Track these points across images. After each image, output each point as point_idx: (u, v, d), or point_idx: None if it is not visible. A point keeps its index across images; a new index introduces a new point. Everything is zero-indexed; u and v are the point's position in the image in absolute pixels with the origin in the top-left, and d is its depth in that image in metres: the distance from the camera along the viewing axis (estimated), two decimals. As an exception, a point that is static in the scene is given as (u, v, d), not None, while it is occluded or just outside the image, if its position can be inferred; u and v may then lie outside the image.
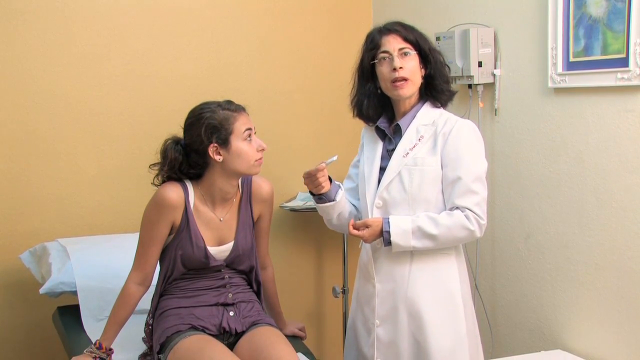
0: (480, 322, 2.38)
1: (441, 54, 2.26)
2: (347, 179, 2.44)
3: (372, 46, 2.22)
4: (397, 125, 2.24)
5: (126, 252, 2.49)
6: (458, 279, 2.23)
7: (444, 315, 2.19)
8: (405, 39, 2.19)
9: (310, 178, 2.21)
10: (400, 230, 2.13)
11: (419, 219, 2.13)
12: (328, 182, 2.24)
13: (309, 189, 2.27)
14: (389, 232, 2.14)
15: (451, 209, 2.14)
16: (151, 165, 2.31)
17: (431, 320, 2.18)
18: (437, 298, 2.20)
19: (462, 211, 2.12)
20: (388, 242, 2.15)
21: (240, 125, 2.22)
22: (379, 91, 2.25)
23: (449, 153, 2.15)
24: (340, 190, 2.31)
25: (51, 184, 3.09)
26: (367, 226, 2.17)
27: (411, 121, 2.22)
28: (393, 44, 2.18)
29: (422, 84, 2.23)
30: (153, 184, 2.32)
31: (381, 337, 2.25)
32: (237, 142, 2.22)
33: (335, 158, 2.18)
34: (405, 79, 2.16)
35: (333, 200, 2.27)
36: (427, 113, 2.22)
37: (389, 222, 2.14)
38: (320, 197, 2.28)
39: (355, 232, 2.18)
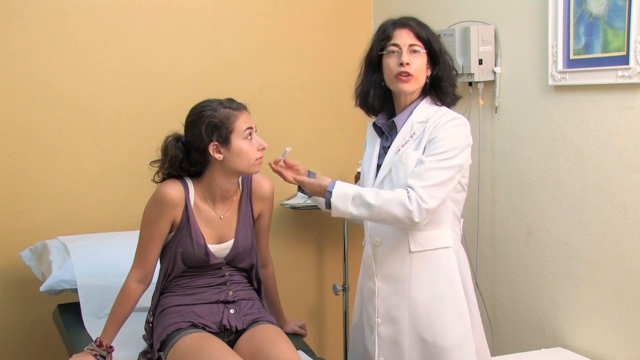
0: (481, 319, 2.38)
1: (450, 57, 2.23)
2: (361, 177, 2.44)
3: (383, 37, 2.21)
4: (393, 122, 2.24)
5: (127, 250, 2.50)
6: (459, 273, 2.23)
7: (448, 311, 2.18)
8: (418, 36, 2.17)
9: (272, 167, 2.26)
10: (342, 193, 2.11)
11: (363, 189, 2.12)
12: (289, 173, 2.24)
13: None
14: (331, 193, 2.12)
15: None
16: (152, 162, 2.30)
17: (436, 317, 2.17)
18: (441, 294, 2.19)
19: (407, 190, 2.09)
20: (328, 205, 2.13)
21: (241, 123, 2.22)
22: (383, 83, 2.25)
23: (428, 142, 2.14)
24: None
25: (52, 181, 3.10)
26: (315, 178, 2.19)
27: (407, 118, 2.21)
28: (404, 38, 2.17)
29: (426, 83, 2.22)
30: (153, 180, 2.32)
31: (383, 336, 2.24)
32: (238, 141, 2.21)
33: (289, 149, 2.25)
34: (410, 75, 2.16)
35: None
36: (424, 110, 2.21)
37: (334, 184, 2.13)
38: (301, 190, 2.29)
39: (274, 165, 2.23)
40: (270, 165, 2.24)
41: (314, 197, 2.28)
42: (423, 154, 2.13)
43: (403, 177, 2.14)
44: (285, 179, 2.26)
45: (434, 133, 2.13)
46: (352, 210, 2.10)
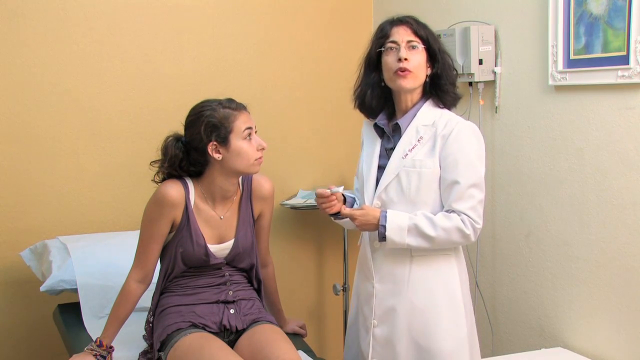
0: (480, 320, 2.38)
1: (451, 58, 2.23)
2: (356, 177, 2.43)
3: (381, 35, 2.21)
4: (397, 124, 2.23)
5: (127, 250, 2.50)
6: (458, 280, 2.23)
7: (445, 317, 2.18)
8: (416, 33, 2.17)
9: (321, 200, 2.20)
10: (396, 226, 2.11)
11: (417, 218, 2.12)
12: (337, 204, 2.21)
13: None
14: (384, 227, 2.12)
15: (448, 211, 2.14)
16: (152, 162, 2.31)
17: (433, 322, 2.17)
18: (438, 300, 2.18)
19: (458, 215, 2.11)
20: (382, 237, 2.14)
21: (240, 123, 2.22)
22: (382, 84, 2.24)
23: (447, 156, 2.13)
24: (355, 204, 2.33)
25: (52, 181, 3.10)
26: (362, 209, 2.16)
27: (411, 120, 2.20)
28: (402, 35, 2.16)
29: (426, 82, 2.21)
30: (153, 180, 2.32)
31: (378, 337, 2.24)
32: (237, 141, 2.21)
33: (341, 188, 2.21)
34: (408, 70, 2.15)
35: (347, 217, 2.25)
36: (428, 112, 2.20)
37: (385, 216, 2.13)
38: (335, 215, 2.28)
39: (319, 200, 2.17)
40: (342, 211, 2.19)
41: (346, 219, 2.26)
42: (441, 166, 2.13)
43: (416, 184, 2.14)
44: (325, 211, 2.22)
45: (451, 146, 2.13)
46: (410, 241, 2.12)
